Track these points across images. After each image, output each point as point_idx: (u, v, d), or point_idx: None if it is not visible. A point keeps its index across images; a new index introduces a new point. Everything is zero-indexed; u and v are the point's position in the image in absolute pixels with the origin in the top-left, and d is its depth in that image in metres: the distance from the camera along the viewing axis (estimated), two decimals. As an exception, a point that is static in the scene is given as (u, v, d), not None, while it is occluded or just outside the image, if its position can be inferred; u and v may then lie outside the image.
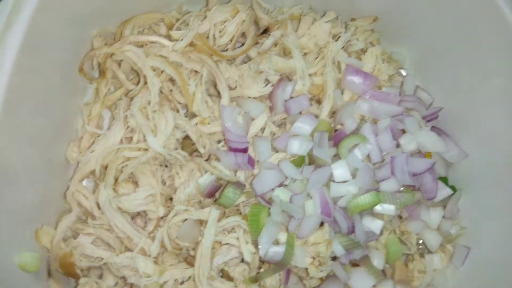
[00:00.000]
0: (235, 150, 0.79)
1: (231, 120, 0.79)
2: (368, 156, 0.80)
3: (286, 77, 0.87)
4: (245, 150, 0.80)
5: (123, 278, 0.78)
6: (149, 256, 0.76)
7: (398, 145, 0.82)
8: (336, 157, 0.81)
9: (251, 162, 0.79)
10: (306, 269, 0.77)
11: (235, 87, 0.85)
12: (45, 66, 0.74)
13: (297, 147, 0.79)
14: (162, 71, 0.81)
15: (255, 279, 0.76)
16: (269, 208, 0.77)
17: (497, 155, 0.82)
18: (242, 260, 0.80)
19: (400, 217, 0.84)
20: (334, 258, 0.79)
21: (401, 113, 0.84)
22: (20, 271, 0.69)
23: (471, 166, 0.86)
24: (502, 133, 0.80)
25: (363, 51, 0.90)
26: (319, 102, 0.88)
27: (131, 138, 0.80)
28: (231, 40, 0.85)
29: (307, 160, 0.80)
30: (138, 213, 0.81)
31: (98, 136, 0.82)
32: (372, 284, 0.80)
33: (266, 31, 0.87)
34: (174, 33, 0.82)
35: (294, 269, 0.79)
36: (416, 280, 0.85)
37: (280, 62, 0.85)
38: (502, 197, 0.79)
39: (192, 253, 0.81)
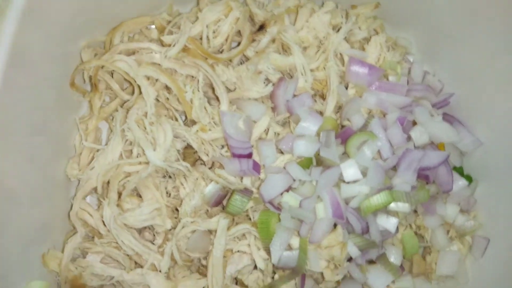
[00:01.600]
0: (239, 156, 0.76)
1: (232, 127, 0.76)
2: (378, 152, 0.76)
3: (287, 74, 0.83)
4: (249, 156, 0.77)
5: (136, 293, 0.77)
6: (160, 271, 0.74)
7: (409, 138, 0.78)
8: (345, 155, 0.77)
9: (256, 167, 0.76)
10: (322, 272, 0.75)
11: (234, 89, 0.82)
12: (35, 83, 0.71)
13: (304, 148, 0.76)
14: (156, 80, 0.78)
15: (270, 287, 0.75)
16: (279, 214, 0.74)
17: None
18: (255, 267, 0.78)
19: (415, 211, 0.81)
20: (349, 259, 0.77)
21: (410, 103, 0.80)
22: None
23: (486, 154, 0.82)
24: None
25: (366, 39, 0.86)
26: (322, 97, 0.84)
27: (130, 151, 0.78)
28: (226, 40, 0.81)
29: (314, 161, 0.77)
30: (146, 227, 0.79)
31: (97, 150, 0.80)
32: (390, 280, 0.79)
33: (262, 27, 0.82)
34: (166, 38, 0.78)
35: (309, 273, 0.77)
36: (434, 272, 0.83)
37: (279, 60, 0.81)
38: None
39: (204, 262, 0.79)
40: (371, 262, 0.79)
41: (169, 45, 0.78)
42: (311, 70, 0.82)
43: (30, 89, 0.70)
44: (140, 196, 0.79)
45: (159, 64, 0.77)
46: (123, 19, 0.82)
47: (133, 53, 0.81)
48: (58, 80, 0.77)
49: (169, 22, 0.83)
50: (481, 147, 0.83)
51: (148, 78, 0.77)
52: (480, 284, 0.82)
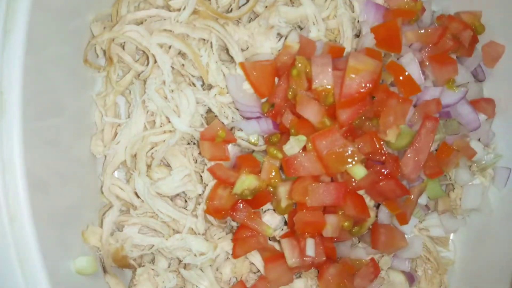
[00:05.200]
0: (248, 119, 0.77)
1: (239, 90, 0.75)
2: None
3: (298, 27, 0.82)
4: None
5: (176, 258, 0.79)
6: (198, 234, 0.76)
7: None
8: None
9: (275, 125, 0.77)
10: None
11: (247, 48, 0.81)
12: (50, 65, 0.71)
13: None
14: (169, 46, 0.77)
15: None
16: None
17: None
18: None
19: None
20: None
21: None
22: (78, 276, 0.69)
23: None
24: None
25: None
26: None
27: (153, 122, 0.78)
28: (233, -1, 0.79)
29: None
30: (177, 194, 0.80)
31: (119, 125, 0.80)
32: (416, 221, 0.81)
33: (268, -19, 0.81)
34: (174, 3, 0.77)
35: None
36: (460, 207, 0.86)
37: (289, 12, 0.79)
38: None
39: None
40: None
41: (178, 10, 0.77)
42: (323, 19, 0.81)
43: (45, 72, 0.69)
44: (168, 166, 0.80)
45: (171, 30, 0.76)
46: (125, -12, 0.80)
47: (141, 22, 0.79)
48: (69, 58, 0.76)
49: (172, -14, 0.81)
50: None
51: (161, 46, 0.76)
52: (503, 214, 0.84)
